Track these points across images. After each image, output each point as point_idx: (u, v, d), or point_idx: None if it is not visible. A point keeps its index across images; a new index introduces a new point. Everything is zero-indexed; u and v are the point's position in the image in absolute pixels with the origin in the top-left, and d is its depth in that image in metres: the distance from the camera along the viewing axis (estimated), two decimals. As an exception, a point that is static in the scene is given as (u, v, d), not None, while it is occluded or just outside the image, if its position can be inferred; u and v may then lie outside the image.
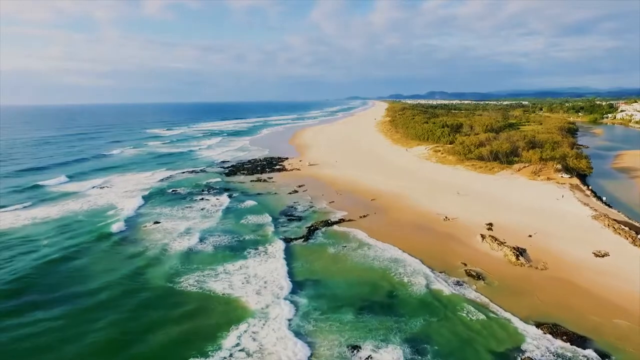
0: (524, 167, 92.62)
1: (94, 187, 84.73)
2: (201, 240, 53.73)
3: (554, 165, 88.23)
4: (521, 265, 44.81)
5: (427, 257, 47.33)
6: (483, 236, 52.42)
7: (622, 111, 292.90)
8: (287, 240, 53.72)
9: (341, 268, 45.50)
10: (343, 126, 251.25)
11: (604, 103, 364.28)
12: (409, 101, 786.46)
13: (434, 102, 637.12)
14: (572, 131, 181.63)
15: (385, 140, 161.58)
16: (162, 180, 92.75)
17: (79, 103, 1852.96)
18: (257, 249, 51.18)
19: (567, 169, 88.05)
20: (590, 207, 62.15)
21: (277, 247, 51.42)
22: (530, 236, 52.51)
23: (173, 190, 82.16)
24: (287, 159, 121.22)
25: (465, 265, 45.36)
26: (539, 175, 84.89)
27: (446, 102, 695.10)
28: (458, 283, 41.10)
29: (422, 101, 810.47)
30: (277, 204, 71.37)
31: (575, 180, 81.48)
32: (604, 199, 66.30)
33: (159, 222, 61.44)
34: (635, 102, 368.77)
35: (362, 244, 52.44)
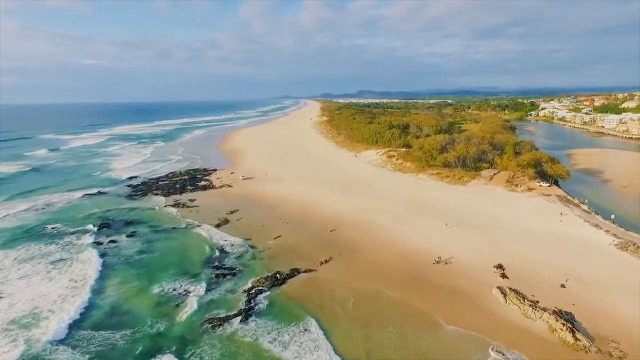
0: (495, 174, 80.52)
1: None
2: (64, 342, 31.61)
3: (530, 171, 76.86)
4: (585, 350, 29.17)
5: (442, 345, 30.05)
6: (503, 292, 36.52)
7: (543, 109, 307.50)
8: (212, 324, 33.48)
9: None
10: (279, 126, 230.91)
11: (526, 101, 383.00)
12: (340, 100, 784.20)
13: (365, 101, 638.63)
14: (512, 129, 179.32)
15: (329, 143, 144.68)
16: (37, 209, 66.72)
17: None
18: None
19: (543, 175, 77.27)
20: (606, 231, 49.70)
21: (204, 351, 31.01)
22: (563, 286, 37.70)
23: (51, 229, 57.31)
24: (215, 171, 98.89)
25: (503, 354, 28.75)
26: (517, 185, 72.76)
27: (376, 100, 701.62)
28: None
29: (353, 100, 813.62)
30: (199, 247, 50.30)
31: (559, 190, 70.38)
32: (612, 217, 54.50)
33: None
34: (552, 100, 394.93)
35: (330, 329, 33.88)
